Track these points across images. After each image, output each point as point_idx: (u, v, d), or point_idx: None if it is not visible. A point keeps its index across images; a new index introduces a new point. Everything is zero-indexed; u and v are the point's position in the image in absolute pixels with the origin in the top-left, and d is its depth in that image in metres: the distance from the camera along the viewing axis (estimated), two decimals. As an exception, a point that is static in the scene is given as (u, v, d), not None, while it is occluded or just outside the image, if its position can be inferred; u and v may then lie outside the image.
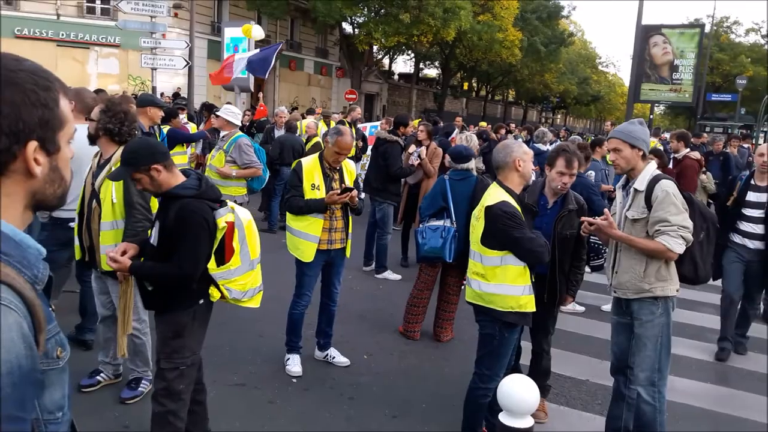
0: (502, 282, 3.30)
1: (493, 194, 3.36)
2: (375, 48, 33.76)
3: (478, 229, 3.37)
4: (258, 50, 12.73)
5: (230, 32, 18.01)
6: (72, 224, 4.02)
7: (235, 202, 6.16)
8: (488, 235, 3.30)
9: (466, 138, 6.50)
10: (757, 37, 47.77)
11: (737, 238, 5.33)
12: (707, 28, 34.50)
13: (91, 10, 23.66)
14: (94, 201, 3.69)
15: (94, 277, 4.03)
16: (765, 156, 5.18)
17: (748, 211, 5.26)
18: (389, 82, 42.14)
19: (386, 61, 42.01)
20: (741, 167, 10.40)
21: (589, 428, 4.15)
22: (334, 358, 4.79)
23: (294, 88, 31.98)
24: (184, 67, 16.56)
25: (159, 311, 3.09)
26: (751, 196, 5.26)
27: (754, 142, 17.78)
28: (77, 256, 3.98)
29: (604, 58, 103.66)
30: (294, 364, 4.58)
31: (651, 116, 24.57)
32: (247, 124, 11.32)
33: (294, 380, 4.48)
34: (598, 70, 63.70)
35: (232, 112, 6.39)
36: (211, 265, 2.96)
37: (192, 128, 9.15)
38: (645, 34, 22.86)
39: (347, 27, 31.10)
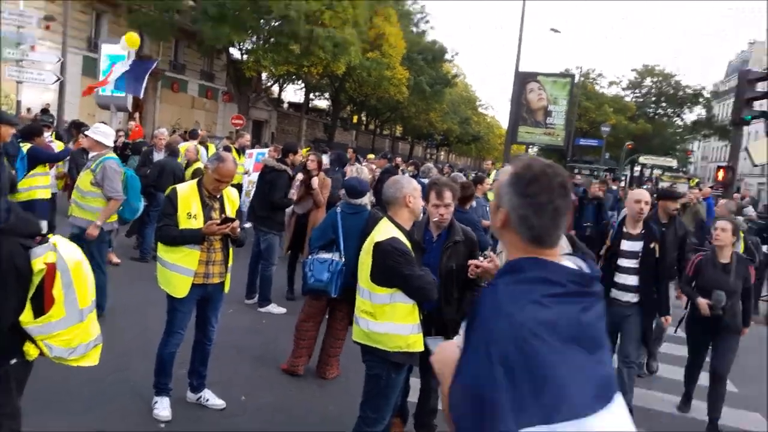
0: (391, 320, 3.20)
1: (383, 230, 3.28)
2: (264, 75, 33.45)
3: (366, 265, 3.26)
4: (132, 62, 12.33)
5: (108, 49, 16.93)
6: None
7: (102, 229, 5.77)
8: (377, 272, 3.20)
9: (357, 170, 6.44)
10: (618, 89, 52.74)
11: (614, 292, 4.78)
12: (576, 78, 37.56)
13: (-53, 14, 21.45)
14: None
15: None
16: (642, 203, 4.75)
17: (623, 262, 4.79)
18: (278, 110, 41.76)
19: (276, 88, 41.69)
20: (611, 209, 11.06)
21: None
22: (208, 400, 4.42)
23: (176, 110, 30.73)
24: (55, 82, 15.36)
25: None
26: (625, 245, 4.82)
27: (622, 185, 19.30)
28: None
29: (484, 100, 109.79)
30: (162, 408, 4.17)
31: (527, 156, 26.17)
32: (121, 145, 10.61)
33: (162, 425, 4.07)
34: (478, 112, 67.02)
35: (102, 132, 5.89)
36: (26, 316, 2.42)
37: (59, 146, 8.38)
38: (522, 80, 24.41)
39: (235, 52, 30.57)
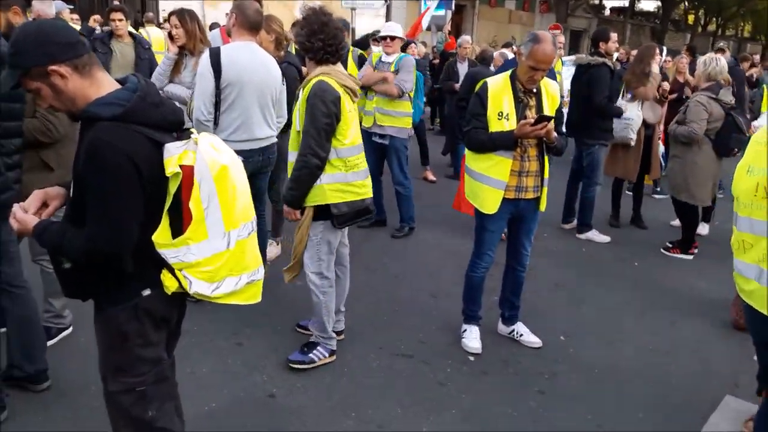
0: None
1: None
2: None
3: None
4: None
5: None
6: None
7: (398, 136, 5.50)
8: None
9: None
10: None
11: None
12: None
13: (296, -43, 24.26)
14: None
15: None
16: None
17: None
18: (599, 17, 38.16)
19: (598, -7, 38.17)
20: None
21: None
22: (521, 335, 3.83)
23: (493, 26, 30.21)
24: (383, 6, 16.35)
25: (96, 305, 1.98)
26: None
27: None
28: None
29: None
30: (471, 338, 3.73)
31: None
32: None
33: (471, 358, 3.63)
34: None
35: (395, 26, 5.77)
36: (161, 236, 1.81)
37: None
38: None
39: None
